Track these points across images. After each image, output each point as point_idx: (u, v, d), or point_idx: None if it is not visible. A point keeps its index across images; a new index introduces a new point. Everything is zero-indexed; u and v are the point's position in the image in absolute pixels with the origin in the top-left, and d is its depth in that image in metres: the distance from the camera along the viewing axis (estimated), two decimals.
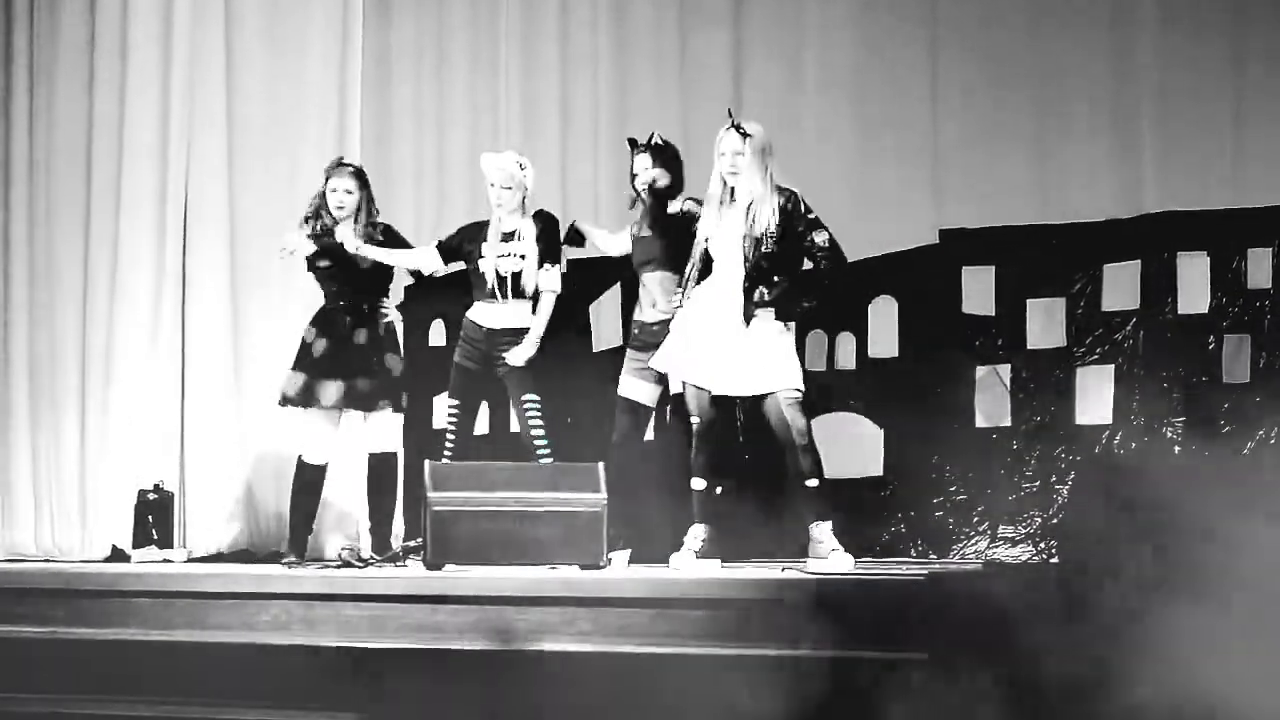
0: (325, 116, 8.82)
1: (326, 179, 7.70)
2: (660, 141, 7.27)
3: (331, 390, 7.55)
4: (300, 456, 7.68)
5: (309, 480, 7.66)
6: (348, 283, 7.64)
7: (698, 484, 6.73)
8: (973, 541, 7.72)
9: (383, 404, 7.58)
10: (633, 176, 7.29)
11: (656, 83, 8.31)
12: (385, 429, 7.65)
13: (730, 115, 6.73)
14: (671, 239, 7.06)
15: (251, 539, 8.67)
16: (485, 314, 7.46)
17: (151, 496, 8.34)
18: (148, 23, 8.92)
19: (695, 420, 6.73)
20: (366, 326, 7.63)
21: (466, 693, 5.41)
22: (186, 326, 8.86)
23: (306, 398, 7.59)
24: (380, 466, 7.67)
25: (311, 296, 8.16)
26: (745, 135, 6.63)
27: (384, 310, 7.71)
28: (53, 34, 9.09)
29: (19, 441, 9.07)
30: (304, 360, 7.65)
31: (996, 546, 7.66)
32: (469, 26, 8.72)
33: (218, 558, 8.52)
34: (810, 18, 8.10)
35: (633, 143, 7.34)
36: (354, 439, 7.82)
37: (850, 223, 7.36)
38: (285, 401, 7.64)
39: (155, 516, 8.30)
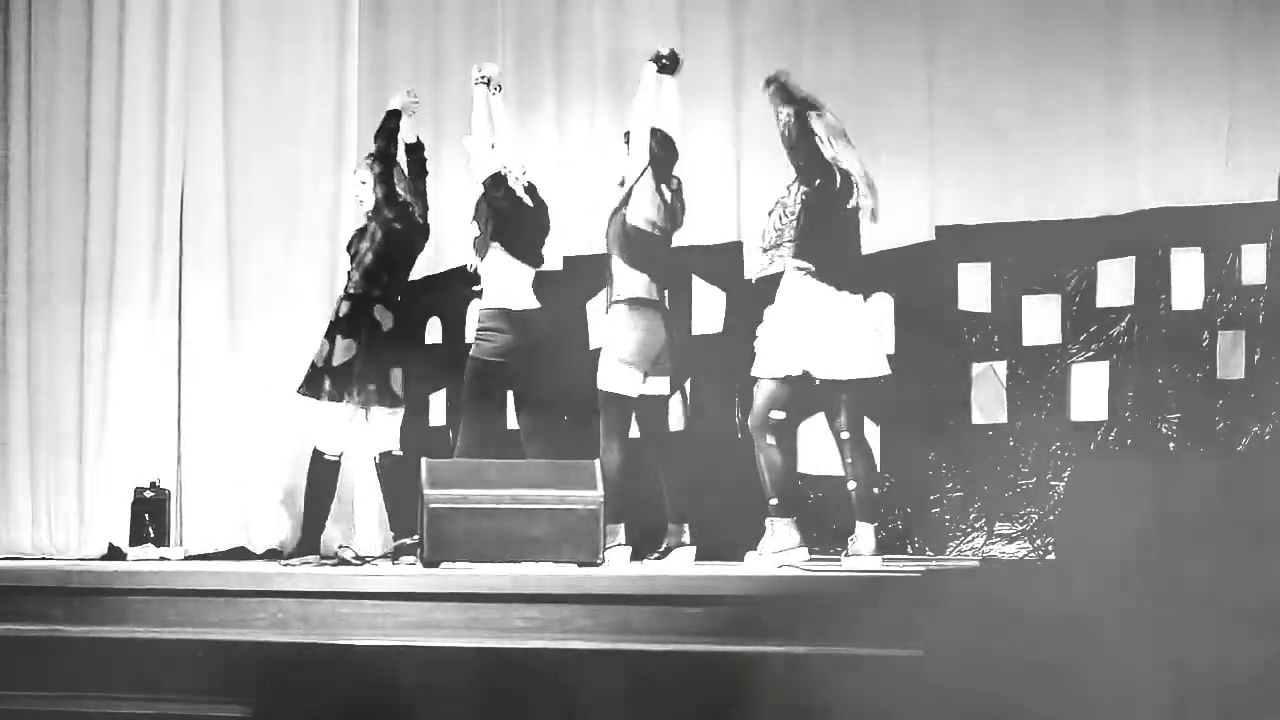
0: (322, 117, 8.83)
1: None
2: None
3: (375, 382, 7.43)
4: (323, 452, 7.44)
5: (330, 474, 7.48)
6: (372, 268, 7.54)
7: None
8: (969, 538, 7.73)
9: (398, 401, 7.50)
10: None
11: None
12: (393, 427, 7.57)
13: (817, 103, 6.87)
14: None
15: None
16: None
17: (148, 495, 8.35)
18: (144, 24, 8.93)
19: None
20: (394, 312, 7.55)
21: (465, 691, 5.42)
22: (183, 326, 8.87)
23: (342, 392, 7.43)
24: (394, 466, 7.56)
25: (309, 295, 8.17)
26: None
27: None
28: (51, 36, 9.10)
29: (17, 441, 9.07)
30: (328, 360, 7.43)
31: (993, 543, 7.67)
32: (465, 28, 8.72)
33: (214, 556, 8.54)
34: (807, 15, 8.11)
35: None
36: (365, 436, 7.71)
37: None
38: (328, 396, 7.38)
39: (152, 515, 8.31)
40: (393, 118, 7.48)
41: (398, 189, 7.42)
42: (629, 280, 7.13)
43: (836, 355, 6.68)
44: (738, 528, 7.15)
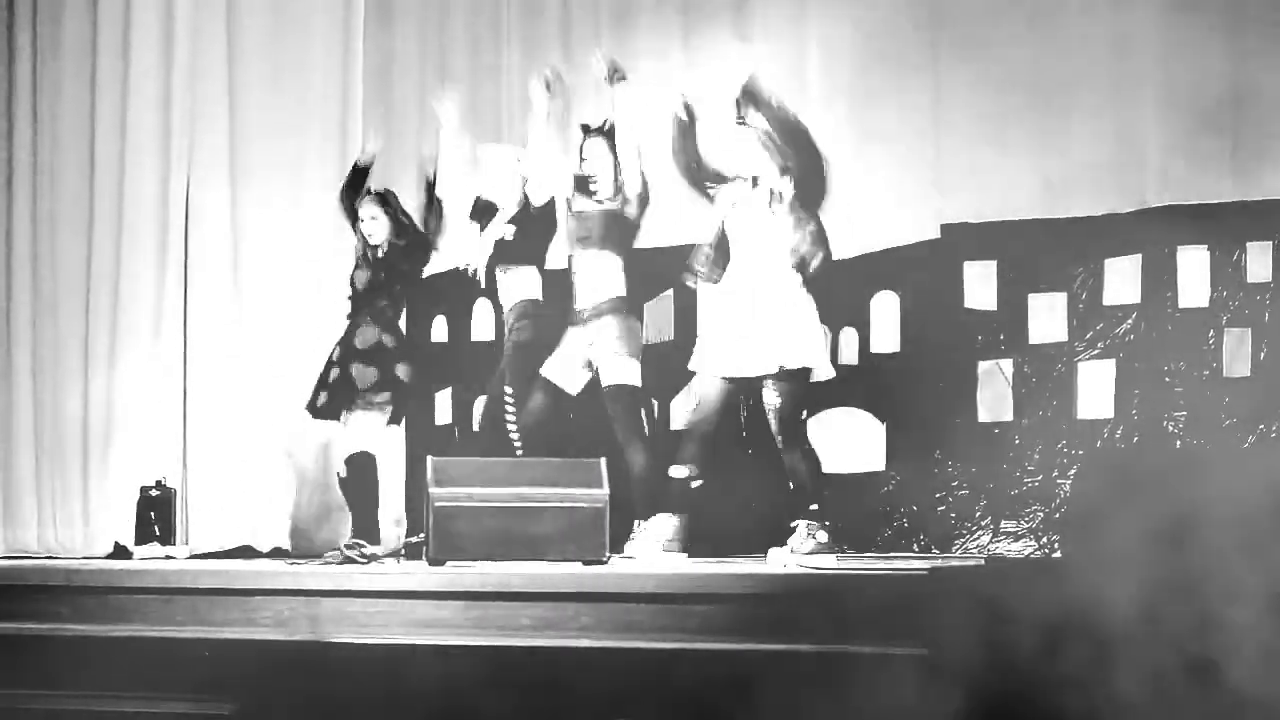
0: (327, 119, 8.83)
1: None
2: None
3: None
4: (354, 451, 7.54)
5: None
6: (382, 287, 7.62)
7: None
8: (975, 536, 7.73)
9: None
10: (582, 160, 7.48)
11: (658, 83, 8.30)
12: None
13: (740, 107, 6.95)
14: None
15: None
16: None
17: (154, 493, 8.36)
18: (149, 26, 8.94)
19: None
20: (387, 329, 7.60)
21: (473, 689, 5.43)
22: (189, 325, 8.88)
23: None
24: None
25: (311, 293, 8.16)
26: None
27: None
28: (55, 35, 9.11)
29: (23, 439, 9.08)
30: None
31: (999, 541, 7.67)
32: (470, 28, 8.72)
33: (220, 554, 8.54)
34: (811, 13, 8.11)
35: (585, 128, 7.49)
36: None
37: (852, 217, 7.41)
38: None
39: (157, 513, 8.32)
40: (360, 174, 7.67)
41: (400, 218, 7.57)
42: (610, 280, 7.34)
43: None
44: (743, 527, 7.18)
